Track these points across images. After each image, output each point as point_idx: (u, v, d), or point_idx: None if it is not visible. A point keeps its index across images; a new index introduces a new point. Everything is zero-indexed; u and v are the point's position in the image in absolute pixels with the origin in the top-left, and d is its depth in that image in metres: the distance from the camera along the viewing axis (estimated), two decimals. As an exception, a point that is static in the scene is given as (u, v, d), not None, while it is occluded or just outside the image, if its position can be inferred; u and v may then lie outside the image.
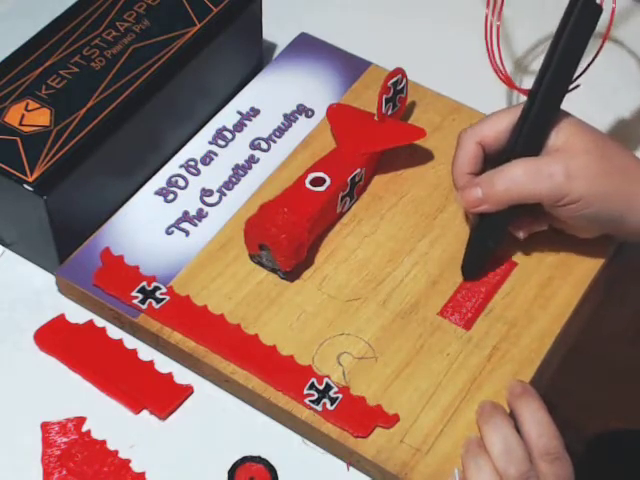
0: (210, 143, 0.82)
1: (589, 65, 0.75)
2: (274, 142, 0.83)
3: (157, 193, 0.79)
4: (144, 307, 0.73)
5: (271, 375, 0.70)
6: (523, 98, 0.75)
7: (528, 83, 0.82)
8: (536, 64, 0.90)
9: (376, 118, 0.81)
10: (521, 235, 0.75)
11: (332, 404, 0.69)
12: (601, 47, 0.76)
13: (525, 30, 0.93)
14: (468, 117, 0.84)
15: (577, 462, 0.67)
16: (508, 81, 0.81)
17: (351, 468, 0.69)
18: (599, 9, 0.69)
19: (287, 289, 0.75)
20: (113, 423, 0.70)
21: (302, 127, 0.84)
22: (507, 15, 0.82)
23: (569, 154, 0.70)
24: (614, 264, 0.79)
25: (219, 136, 0.83)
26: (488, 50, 0.79)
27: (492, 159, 0.74)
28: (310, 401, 0.69)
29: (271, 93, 0.85)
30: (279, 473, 0.68)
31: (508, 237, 0.75)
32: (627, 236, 0.75)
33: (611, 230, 0.74)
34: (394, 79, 0.81)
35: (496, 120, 0.74)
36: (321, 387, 0.70)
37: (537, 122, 0.71)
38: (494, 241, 0.74)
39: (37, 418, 0.69)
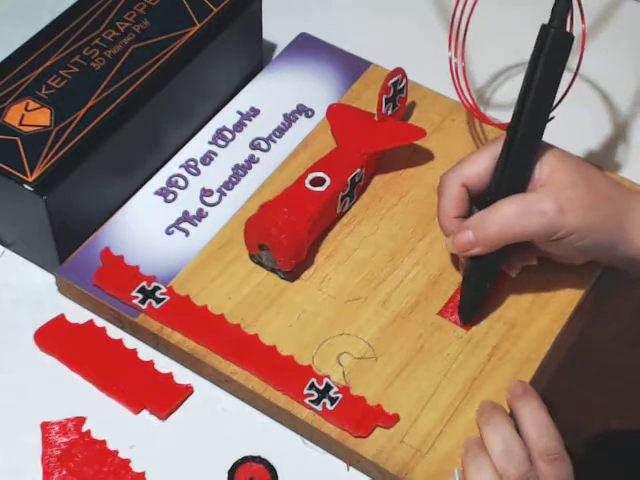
0: (210, 143, 0.82)
1: (563, 97, 0.73)
2: (274, 142, 0.83)
3: (157, 193, 0.79)
4: (144, 307, 0.73)
5: (271, 375, 0.70)
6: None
7: (497, 114, 0.82)
8: (500, 95, 0.89)
9: (376, 118, 0.81)
10: (513, 274, 0.74)
11: (332, 404, 0.69)
12: (573, 80, 0.74)
13: (486, 61, 0.91)
14: (468, 117, 0.84)
15: (577, 462, 0.67)
16: (482, 117, 0.81)
17: (351, 468, 0.69)
18: (570, 37, 0.67)
19: (287, 289, 0.75)
20: (113, 423, 0.70)
21: (302, 127, 0.84)
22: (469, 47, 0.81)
23: (556, 188, 0.69)
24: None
25: (219, 136, 0.83)
26: (457, 90, 0.78)
27: (478, 199, 0.73)
28: (310, 401, 0.69)
29: (271, 93, 0.85)
30: (279, 473, 0.68)
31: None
32: (615, 264, 0.74)
33: (600, 259, 0.74)
34: (394, 79, 0.81)
35: (477, 160, 0.72)
36: (321, 387, 0.70)
37: (519, 158, 0.70)
38: (490, 281, 0.73)
39: (37, 418, 0.69)
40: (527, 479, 0.64)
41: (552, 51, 0.67)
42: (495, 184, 0.71)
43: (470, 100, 0.79)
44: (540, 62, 0.67)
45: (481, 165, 0.72)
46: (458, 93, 0.78)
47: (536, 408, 0.67)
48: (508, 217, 0.69)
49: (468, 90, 0.78)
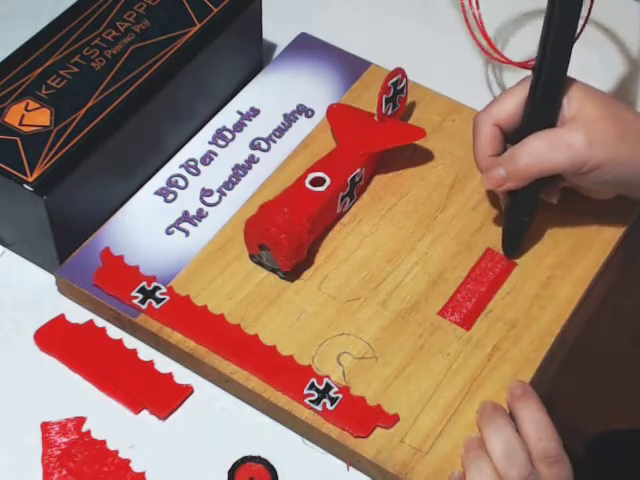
0: (210, 143, 0.82)
1: (585, 24, 0.75)
2: (274, 142, 0.83)
3: (157, 193, 0.79)
4: (144, 307, 0.73)
5: (271, 375, 0.70)
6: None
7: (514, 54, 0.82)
8: (517, 38, 0.90)
9: (376, 118, 0.81)
10: (554, 200, 0.75)
11: (332, 404, 0.69)
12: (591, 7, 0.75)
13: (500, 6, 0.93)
14: (468, 117, 0.84)
15: (577, 462, 0.67)
16: (501, 57, 0.81)
17: (351, 468, 0.69)
18: None
19: (287, 289, 0.75)
20: (113, 423, 0.70)
21: (302, 127, 0.84)
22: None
23: (585, 122, 0.71)
24: (614, 264, 0.79)
25: (219, 136, 0.83)
26: (473, 36, 0.78)
27: (510, 136, 0.74)
28: (310, 401, 0.69)
29: (271, 93, 0.85)
30: (279, 473, 0.68)
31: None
32: None
33: (631, 193, 0.75)
34: (394, 79, 0.81)
35: (506, 100, 0.74)
36: (321, 387, 0.70)
37: (546, 95, 0.71)
38: (528, 215, 0.75)
39: (37, 418, 0.69)
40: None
41: None
42: (525, 122, 0.72)
43: (486, 44, 0.80)
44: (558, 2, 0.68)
45: (511, 104, 0.73)
46: (475, 38, 0.79)
47: (535, 410, 0.67)
48: (537, 151, 0.71)
49: (484, 33, 0.79)
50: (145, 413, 0.70)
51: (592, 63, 0.90)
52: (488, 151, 0.74)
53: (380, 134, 0.80)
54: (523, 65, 0.82)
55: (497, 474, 0.65)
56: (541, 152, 0.71)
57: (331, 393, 0.69)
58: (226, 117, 0.84)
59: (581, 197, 0.79)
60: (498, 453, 0.65)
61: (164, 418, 0.70)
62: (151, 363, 0.72)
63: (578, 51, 0.72)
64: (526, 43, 0.75)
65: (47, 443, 0.68)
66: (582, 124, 0.71)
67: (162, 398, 0.71)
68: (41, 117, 0.75)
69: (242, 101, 0.85)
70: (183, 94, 0.81)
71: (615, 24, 0.94)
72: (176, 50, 0.80)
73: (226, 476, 0.68)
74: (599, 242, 0.77)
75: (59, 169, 0.73)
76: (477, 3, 0.79)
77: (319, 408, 0.69)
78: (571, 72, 0.71)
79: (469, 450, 0.67)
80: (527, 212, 0.75)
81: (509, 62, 0.83)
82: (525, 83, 0.73)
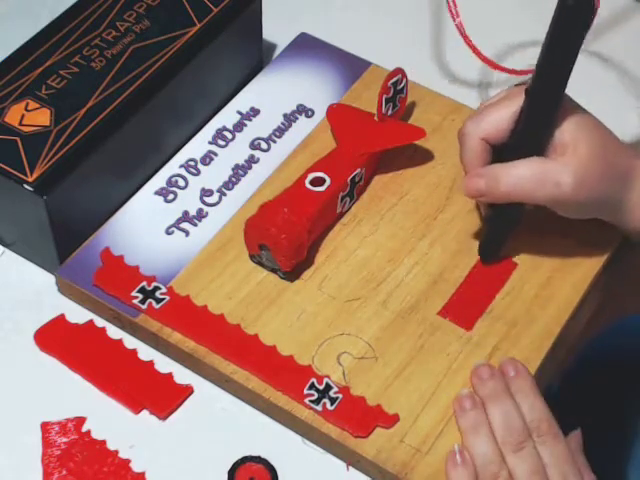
0: (210, 143, 0.82)
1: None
2: (274, 142, 0.83)
3: (157, 193, 0.79)
4: (144, 307, 0.73)
5: (271, 375, 0.70)
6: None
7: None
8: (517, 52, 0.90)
9: (376, 118, 0.81)
10: (531, 206, 0.74)
11: (332, 404, 0.69)
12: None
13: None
14: (468, 117, 0.84)
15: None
16: (496, 66, 0.80)
17: (351, 468, 0.69)
18: (590, 7, 0.66)
19: (287, 289, 0.75)
20: (113, 423, 0.70)
21: (302, 127, 0.84)
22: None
23: (575, 161, 0.69)
24: (614, 264, 0.79)
25: (219, 136, 0.83)
26: (469, 46, 0.77)
27: (499, 149, 0.73)
28: (310, 401, 0.69)
29: (271, 93, 0.85)
30: (279, 473, 0.68)
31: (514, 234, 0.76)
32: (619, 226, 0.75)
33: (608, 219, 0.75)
34: (394, 79, 0.81)
35: (496, 113, 0.72)
36: (321, 387, 0.70)
37: (539, 121, 0.70)
38: (507, 228, 0.75)
39: (37, 418, 0.69)
40: (523, 448, 0.66)
41: (570, 22, 0.66)
42: (514, 140, 0.71)
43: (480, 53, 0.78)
44: (557, 31, 0.66)
45: (501, 119, 0.72)
46: (471, 47, 0.77)
47: (527, 392, 0.68)
48: (522, 181, 0.70)
49: (469, 44, 0.77)
50: (145, 413, 0.70)
51: (592, 63, 0.90)
52: (475, 164, 0.73)
53: (380, 134, 0.80)
54: (519, 73, 0.81)
55: (494, 439, 0.66)
56: (526, 184, 0.70)
57: (331, 393, 0.69)
58: (226, 117, 0.84)
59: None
60: (497, 421, 0.67)
61: (164, 418, 0.70)
62: (151, 363, 0.72)
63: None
64: (524, 50, 0.74)
65: (47, 443, 0.68)
66: (572, 162, 0.69)
67: (162, 398, 0.71)
68: (41, 117, 0.75)
69: (242, 101, 0.85)
70: (183, 94, 0.81)
71: (615, 24, 0.94)
72: (176, 50, 0.80)
73: (226, 476, 0.68)
74: (599, 243, 0.77)
75: (59, 169, 0.73)
76: (457, 13, 0.78)
77: (319, 408, 0.69)
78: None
79: (465, 410, 0.68)
80: (507, 222, 0.74)
81: (505, 70, 0.81)
82: (515, 96, 0.71)
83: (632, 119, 0.88)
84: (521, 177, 0.70)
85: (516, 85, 0.74)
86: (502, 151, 0.72)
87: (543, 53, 0.68)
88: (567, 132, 0.70)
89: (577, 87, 0.73)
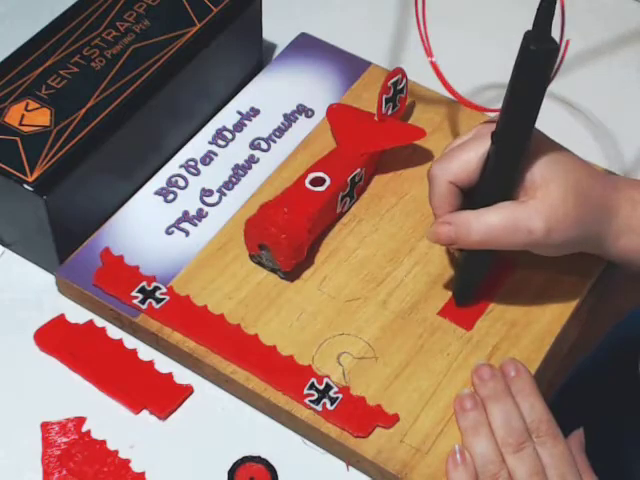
0: (210, 143, 0.82)
1: (556, 73, 0.69)
2: (274, 142, 0.83)
3: (157, 193, 0.79)
4: (144, 307, 0.73)
5: (271, 375, 0.70)
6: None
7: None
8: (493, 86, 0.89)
9: (376, 118, 0.81)
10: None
11: (332, 404, 0.69)
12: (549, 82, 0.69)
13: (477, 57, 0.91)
14: (468, 117, 0.84)
15: None
16: (471, 105, 0.77)
17: (351, 468, 0.69)
18: (552, 51, 0.63)
19: (287, 289, 0.75)
20: (113, 423, 0.70)
21: (302, 127, 0.84)
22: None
23: (546, 205, 0.68)
24: (614, 264, 0.79)
25: (219, 136, 0.83)
26: (444, 84, 0.75)
27: (468, 191, 0.71)
28: (310, 401, 0.69)
29: (271, 93, 0.85)
30: (279, 473, 0.68)
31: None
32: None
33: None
34: (394, 79, 0.81)
35: (464, 157, 0.70)
36: (321, 387, 0.70)
37: (507, 165, 0.68)
38: (480, 273, 0.74)
39: (37, 418, 0.69)
40: (523, 449, 0.66)
41: (533, 66, 0.63)
42: (483, 184, 0.69)
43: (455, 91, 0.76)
44: (520, 78, 0.64)
45: (469, 163, 0.70)
46: (446, 87, 0.74)
47: (528, 393, 0.68)
48: (494, 228, 0.68)
49: (444, 84, 0.75)
50: (145, 413, 0.70)
51: (592, 63, 0.90)
52: (444, 208, 0.71)
53: (380, 134, 0.80)
54: (491, 110, 0.79)
55: (494, 439, 0.66)
56: (498, 232, 0.68)
57: (331, 393, 0.69)
58: (226, 117, 0.84)
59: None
60: (497, 422, 0.67)
61: (164, 418, 0.70)
62: (151, 363, 0.72)
63: (578, 51, 0.72)
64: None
65: (47, 443, 0.68)
66: (543, 207, 0.68)
67: (162, 398, 0.71)
68: (41, 117, 0.75)
69: (242, 101, 0.85)
70: (183, 94, 0.81)
71: (615, 24, 0.94)
72: (176, 50, 0.80)
73: (226, 476, 0.68)
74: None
75: (59, 169, 0.73)
76: (430, 49, 0.76)
77: (319, 408, 0.69)
78: (571, 72, 0.70)
79: (465, 410, 0.68)
80: (479, 270, 0.73)
81: (480, 109, 0.77)
82: (483, 137, 0.69)
83: (599, 162, 0.86)
84: (492, 226, 0.68)
85: (485, 122, 0.72)
86: (472, 194, 0.71)
87: (507, 98, 0.65)
88: (537, 172, 0.68)
89: (544, 129, 0.71)
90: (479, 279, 0.74)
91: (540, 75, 0.64)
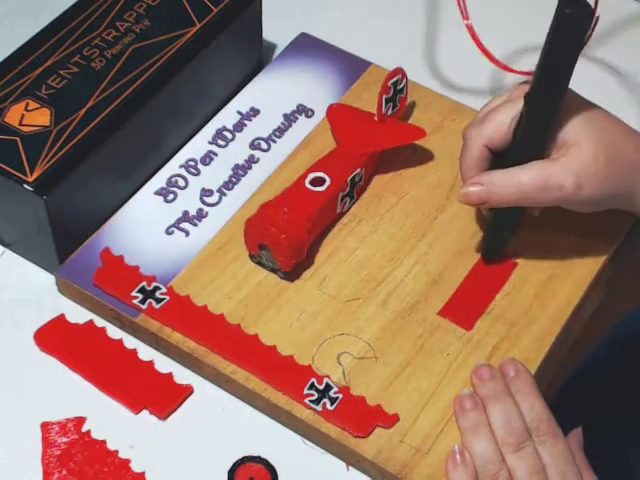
0: (210, 143, 0.82)
1: (590, 35, 0.73)
2: (274, 142, 0.83)
3: (157, 193, 0.79)
4: (144, 307, 0.73)
5: (271, 375, 0.70)
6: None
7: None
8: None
9: (376, 118, 0.81)
10: (536, 213, 0.75)
11: (332, 404, 0.69)
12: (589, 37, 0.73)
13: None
14: (468, 117, 0.84)
15: None
16: (505, 67, 0.79)
17: (351, 468, 0.69)
18: (588, 16, 0.65)
19: (287, 289, 0.75)
20: (113, 423, 0.70)
21: (302, 127, 0.84)
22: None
23: (577, 161, 0.69)
24: (614, 264, 0.79)
25: (219, 136, 0.83)
26: (479, 47, 0.77)
27: (499, 154, 0.73)
28: (310, 401, 0.69)
29: (271, 93, 0.85)
30: (279, 473, 0.68)
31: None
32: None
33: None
34: (394, 79, 0.81)
35: (498, 118, 0.72)
36: (321, 387, 0.70)
37: (539, 126, 0.70)
38: (509, 231, 0.75)
39: (37, 418, 0.69)
40: (523, 448, 0.66)
41: (568, 30, 0.65)
42: (515, 145, 0.71)
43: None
44: (555, 40, 0.65)
45: (503, 124, 0.71)
46: (481, 49, 0.77)
47: (528, 393, 0.68)
48: (525, 185, 0.70)
49: (479, 46, 0.77)
50: (145, 413, 0.70)
51: (592, 63, 0.90)
52: (474, 171, 0.72)
53: (380, 134, 0.80)
54: (526, 74, 0.80)
55: (494, 439, 0.67)
56: (529, 190, 0.69)
57: (331, 393, 0.69)
58: (226, 117, 0.84)
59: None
60: (497, 422, 0.67)
61: (164, 418, 0.70)
62: (151, 363, 0.72)
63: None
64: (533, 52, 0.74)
65: (47, 443, 0.68)
66: (574, 163, 0.69)
67: (162, 398, 0.71)
68: (41, 117, 0.75)
69: (242, 101, 0.85)
70: (183, 94, 0.81)
71: (615, 24, 0.94)
72: (176, 50, 0.80)
73: (226, 476, 0.68)
74: (599, 242, 0.77)
75: (59, 169, 0.73)
76: (466, 12, 0.78)
77: (319, 408, 0.69)
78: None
79: (465, 410, 0.68)
80: (508, 228, 0.75)
81: (514, 71, 0.80)
82: (515, 100, 0.71)
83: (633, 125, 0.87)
84: (523, 183, 0.70)
85: (520, 84, 0.73)
86: (503, 156, 0.72)
87: (541, 61, 0.67)
88: (570, 131, 0.70)
89: (581, 89, 0.72)
90: (509, 236, 0.75)
91: (574, 39, 0.65)
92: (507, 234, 0.75)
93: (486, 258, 0.76)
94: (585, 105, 0.71)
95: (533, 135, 0.70)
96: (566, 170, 0.69)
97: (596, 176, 0.69)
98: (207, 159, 0.81)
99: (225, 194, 0.79)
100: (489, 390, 0.69)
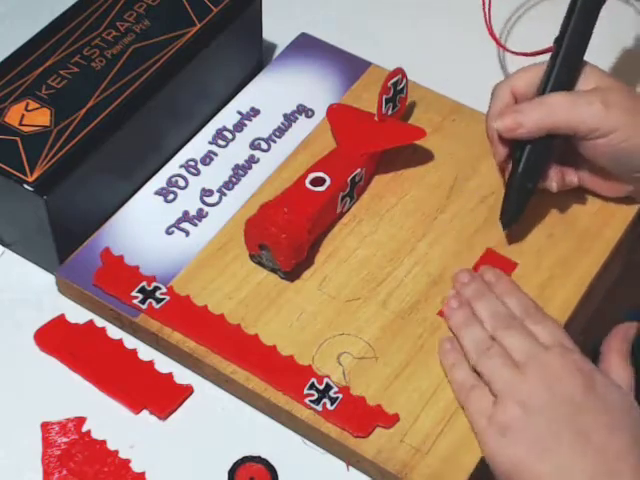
0: (210, 143, 0.82)
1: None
2: (274, 142, 0.83)
3: (157, 193, 0.79)
4: (144, 307, 0.73)
5: (271, 375, 0.70)
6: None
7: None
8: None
9: (376, 118, 0.81)
10: (554, 186, 0.76)
11: (332, 404, 0.69)
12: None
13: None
14: (468, 117, 0.84)
15: None
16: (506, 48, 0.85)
17: (351, 468, 0.69)
18: None
19: (287, 289, 0.75)
20: (113, 423, 0.70)
21: (302, 127, 0.84)
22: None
23: (603, 90, 0.73)
24: (614, 264, 0.79)
25: (219, 136, 0.83)
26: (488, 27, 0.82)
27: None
28: (310, 401, 0.69)
29: (271, 93, 0.85)
30: (279, 473, 0.68)
31: (514, 232, 0.77)
32: None
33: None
34: (394, 79, 0.81)
35: (527, 71, 0.76)
36: (321, 387, 0.70)
37: (563, 73, 0.74)
38: (532, 182, 0.75)
39: (37, 418, 0.69)
40: (514, 326, 0.68)
41: None
42: (541, 90, 0.75)
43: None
44: None
45: (531, 76, 0.76)
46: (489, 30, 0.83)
47: (511, 292, 0.71)
48: (556, 104, 0.73)
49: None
50: (145, 413, 0.70)
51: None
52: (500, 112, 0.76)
53: (380, 134, 0.80)
54: (536, 53, 0.83)
55: (486, 332, 0.69)
56: (560, 106, 0.73)
57: (331, 393, 0.69)
58: (226, 117, 0.84)
59: (581, 198, 0.79)
60: (485, 314, 0.69)
61: (164, 418, 0.70)
62: (151, 363, 0.72)
63: None
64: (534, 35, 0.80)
65: (47, 443, 0.68)
66: (600, 91, 0.73)
67: (162, 398, 0.71)
68: (41, 117, 0.75)
69: (242, 101, 0.85)
70: (183, 94, 0.81)
71: (615, 24, 0.94)
72: (176, 50, 0.80)
73: (226, 476, 0.68)
74: (599, 242, 0.77)
75: (59, 169, 0.73)
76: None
77: (319, 408, 0.69)
78: None
79: (453, 310, 0.71)
80: (532, 178, 0.75)
81: (517, 53, 0.85)
82: (544, 63, 0.76)
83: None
84: (554, 103, 0.73)
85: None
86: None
87: (570, 7, 0.74)
88: (592, 78, 0.74)
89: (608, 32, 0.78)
90: (532, 189, 0.75)
91: None
92: (531, 185, 0.75)
93: (506, 222, 0.76)
94: (600, 69, 0.76)
95: (560, 79, 0.74)
96: (594, 93, 0.73)
97: (623, 104, 0.72)
98: (207, 159, 0.81)
99: (225, 194, 0.79)
100: (472, 290, 0.71)
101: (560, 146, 0.76)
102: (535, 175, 0.75)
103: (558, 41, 0.75)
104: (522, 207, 0.75)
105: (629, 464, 0.62)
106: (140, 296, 0.73)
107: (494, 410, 0.65)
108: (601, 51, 0.78)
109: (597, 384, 0.65)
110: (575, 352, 0.67)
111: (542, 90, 0.75)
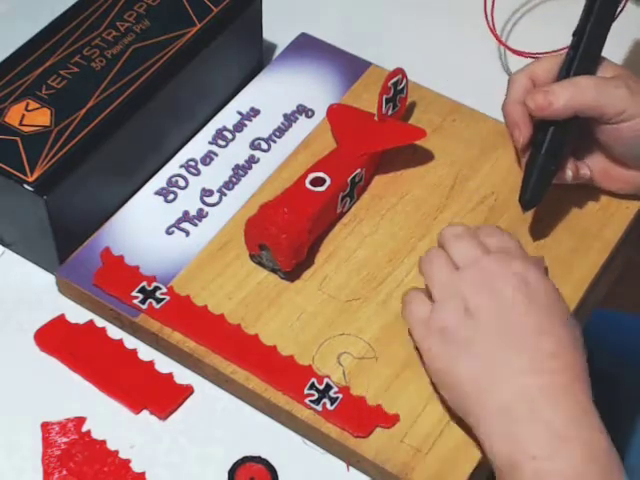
0: (210, 143, 0.82)
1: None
2: (274, 142, 0.83)
3: (157, 193, 0.79)
4: (144, 307, 0.73)
5: (271, 375, 0.70)
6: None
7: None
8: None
9: (376, 118, 0.81)
10: (570, 175, 0.76)
11: (332, 404, 0.69)
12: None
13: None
14: (468, 117, 0.84)
15: None
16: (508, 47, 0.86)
17: (351, 468, 0.69)
18: None
19: (287, 289, 0.75)
20: (113, 423, 0.70)
21: (302, 127, 0.84)
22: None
23: (625, 77, 0.74)
24: (614, 264, 0.79)
25: (219, 136, 0.83)
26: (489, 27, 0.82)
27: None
28: (310, 401, 0.69)
29: (271, 93, 0.85)
30: (279, 473, 0.68)
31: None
32: None
33: None
34: (394, 79, 0.81)
35: (545, 60, 0.78)
36: (321, 387, 0.70)
37: (587, 59, 0.75)
38: (554, 163, 0.75)
39: (37, 418, 0.69)
40: (462, 238, 0.69)
41: None
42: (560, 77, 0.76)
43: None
44: None
45: (549, 64, 0.77)
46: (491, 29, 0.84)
47: (493, 233, 0.71)
48: (585, 86, 0.74)
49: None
50: (145, 413, 0.70)
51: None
52: (520, 99, 0.76)
53: (380, 134, 0.80)
54: (531, 55, 0.84)
55: (450, 262, 0.68)
56: (589, 87, 0.74)
57: (331, 393, 0.69)
58: (226, 117, 0.84)
59: (581, 198, 0.79)
60: (447, 237, 0.70)
61: (164, 418, 0.70)
62: (151, 363, 0.72)
63: None
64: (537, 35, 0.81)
65: (47, 443, 0.68)
66: (623, 78, 0.74)
67: (162, 398, 0.71)
68: (41, 117, 0.75)
69: (242, 101, 0.85)
70: (183, 94, 0.81)
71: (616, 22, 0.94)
72: (176, 50, 0.80)
73: (226, 476, 0.68)
74: (599, 242, 0.77)
75: (59, 169, 0.73)
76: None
77: (319, 408, 0.69)
78: None
79: (427, 254, 0.71)
80: (553, 159, 0.75)
81: (520, 53, 0.86)
82: (564, 54, 0.77)
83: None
84: (583, 84, 0.74)
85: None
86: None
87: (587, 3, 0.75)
88: (610, 69, 0.76)
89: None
90: (555, 170, 0.75)
91: None
92: (553, 167, 0.75)
93: (527, 203, 0.75)
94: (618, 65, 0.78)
95: (584, 66, 0.75)
96: (619, 77, 0.75)
97: None
98: (207, 159, 0.81)
99: (225, 194, 0.79)
100: (449, 233, 0.71)
101: (578, 133, 0.76)
102: (557, 157, 0.75)
103: (577, 33, 0.76)
104: (545, 188, 0.75)
105: (558, 363, 0.63)
106: (140, 296, 0.73)
107: (431, 315, 0.67)
108: (605, 48, 0.77)
109: (530, 287, 0.66)
110: (517, 258, 0.68)
111: (563, 77, 0.76)
